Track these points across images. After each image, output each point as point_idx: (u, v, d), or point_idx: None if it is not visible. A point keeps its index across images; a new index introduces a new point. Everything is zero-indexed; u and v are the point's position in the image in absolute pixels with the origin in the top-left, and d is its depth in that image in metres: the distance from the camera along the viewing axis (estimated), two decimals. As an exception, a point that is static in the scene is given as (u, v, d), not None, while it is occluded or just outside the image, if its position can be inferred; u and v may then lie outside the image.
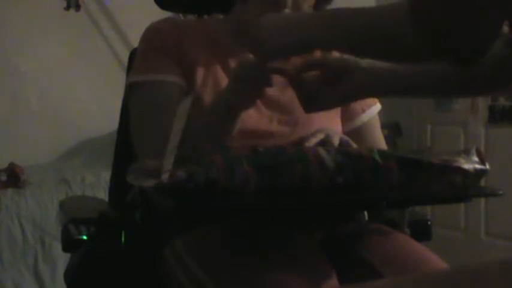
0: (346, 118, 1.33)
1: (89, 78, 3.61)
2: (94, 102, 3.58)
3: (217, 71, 1.24)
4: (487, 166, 0.98)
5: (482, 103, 3.44)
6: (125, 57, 1.70)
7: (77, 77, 3.59)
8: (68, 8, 3.55)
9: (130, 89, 1.25)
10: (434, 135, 3.78)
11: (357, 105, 1.34)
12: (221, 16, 1.41)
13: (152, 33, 1.28)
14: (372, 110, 1.36)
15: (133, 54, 1.51)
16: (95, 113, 3.55)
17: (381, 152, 0.97)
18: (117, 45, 3.70)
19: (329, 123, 1.27)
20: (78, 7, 3.58)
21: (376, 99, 1.38)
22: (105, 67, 3.62)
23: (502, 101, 3.35)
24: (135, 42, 1.37)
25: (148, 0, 1.48)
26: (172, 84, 1.21)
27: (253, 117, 1.21)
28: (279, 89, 1.26)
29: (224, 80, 1.22)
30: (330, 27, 0.95)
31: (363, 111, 1.35)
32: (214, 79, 1.23)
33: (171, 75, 1.22)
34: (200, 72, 1.23)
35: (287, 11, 1.17)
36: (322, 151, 0.95)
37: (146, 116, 1.22)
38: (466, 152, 0.99)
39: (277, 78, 1.26)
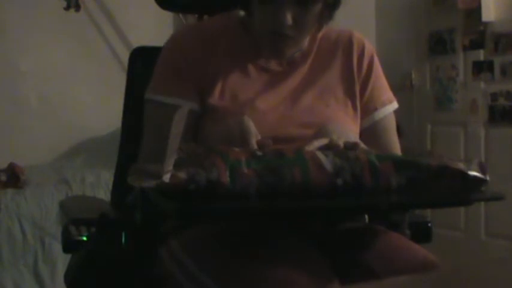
0: (360, 116, 1.32)
1: (89, 78, 3.60)
2: (94, 102, 3.58)
3: (236, 82, 1.25)
4: (487, 178, 0.96)
5: (482, 103, 3.44)
6: (125, 57, 1.70)
7: (77, 77, 3.59)
8: (68, 8, 3.54)
9: (146, 103, 1.30)
10: (434, 135, 3.78)
11: (371, 103, 1.32)
12: (241, 13, 1.34)
13: (173, 49, 1.29)
14: (385, 108, 1.34)
15: (133, 54, 1.51)
16: (95, 113, 3.54)
17: (378, 154, 0.96)
18: (117, 45, 3.70)
19: (347, 126, 1.26)
20: (78, 7, 3.57)
21: (392, 98, 1.36)
22: (105, 67, 3.62)
23: (502, 101, 3.34)
24: (135, 42, 1.37)
25: (149, 0, 1.48)
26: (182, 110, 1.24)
27: (273, 122, 1.21)
28: (300, 91, 1.26)
29: (241, 90, 1.23)
30: None
31: (375, 109, 1.33)
32: (231, 91, 1.24)
33: (183, 99, 1.24)
34: (219, 84, 1.24)
35: None
36: (320, 154, 0.95)
37: (151, 133, 1.26)
38: (467, 161, 0.97)
39: (298, 79, 1.26)
